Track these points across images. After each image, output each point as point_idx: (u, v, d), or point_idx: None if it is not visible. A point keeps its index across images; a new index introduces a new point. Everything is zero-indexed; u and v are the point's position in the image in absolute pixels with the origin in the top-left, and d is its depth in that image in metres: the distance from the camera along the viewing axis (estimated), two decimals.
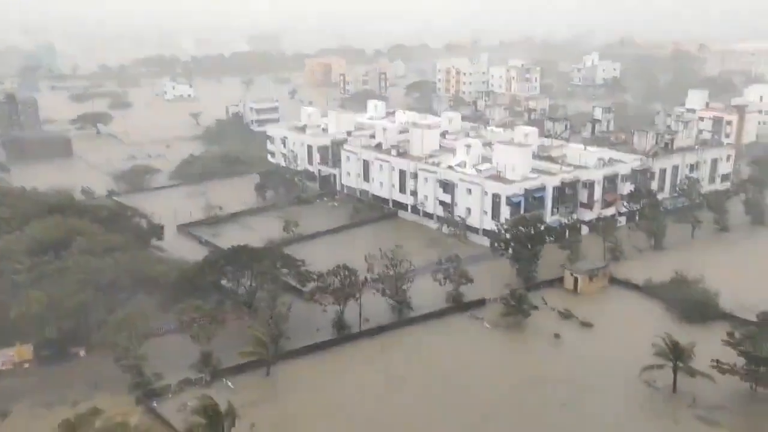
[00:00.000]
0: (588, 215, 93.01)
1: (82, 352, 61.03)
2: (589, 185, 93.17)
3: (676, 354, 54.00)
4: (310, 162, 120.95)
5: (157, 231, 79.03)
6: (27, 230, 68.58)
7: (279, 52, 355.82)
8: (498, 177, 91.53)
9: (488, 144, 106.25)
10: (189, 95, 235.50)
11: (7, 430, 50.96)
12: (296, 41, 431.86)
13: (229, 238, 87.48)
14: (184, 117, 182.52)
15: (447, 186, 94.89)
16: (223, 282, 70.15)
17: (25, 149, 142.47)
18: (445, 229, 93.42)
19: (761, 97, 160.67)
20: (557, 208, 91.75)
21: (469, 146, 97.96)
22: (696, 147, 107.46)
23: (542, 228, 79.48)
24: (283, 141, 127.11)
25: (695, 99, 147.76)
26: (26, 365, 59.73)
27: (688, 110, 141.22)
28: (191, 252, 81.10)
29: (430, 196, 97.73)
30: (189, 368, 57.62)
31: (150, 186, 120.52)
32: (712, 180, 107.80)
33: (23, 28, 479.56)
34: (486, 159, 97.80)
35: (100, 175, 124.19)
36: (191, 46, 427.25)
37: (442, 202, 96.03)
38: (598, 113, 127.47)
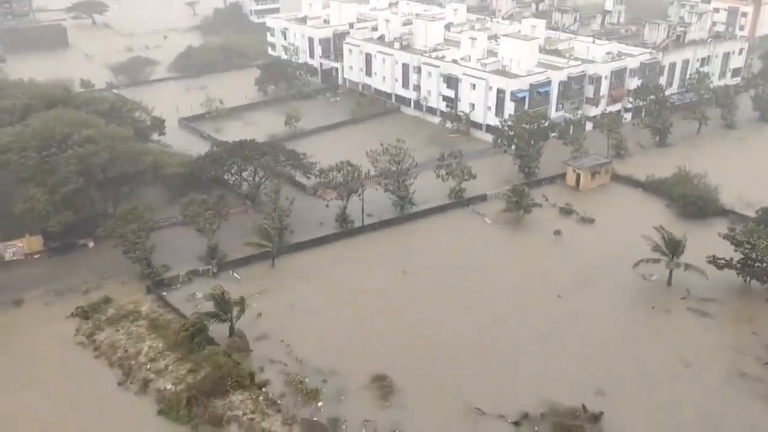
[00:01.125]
0: (593, 111, 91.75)
1: (91, 244, 62.37)
2: (596, 80, 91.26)
3: (672, 248, 55.05)
4: (312, 55, 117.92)
5: (159, 125, 78.39)
6: (30, 122, 67.94)
7: None
8: (503, 71, 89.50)
9: (494, 37, 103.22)
10: None
11: (22, 317, 53.01)
12: None
13: (231, 132, 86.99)
14: (180, 6, 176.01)
15: (450, 81, 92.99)
16: (226, 177, 70.61)
17: (21, 39, 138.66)
18: (448, 124, 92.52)
19: None
20: (562, 104, 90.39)
21: (474, 39, 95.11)
22: (708, 40, 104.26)
23: (546, 124, 78.68)
24: (284, 33, 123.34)
25: None
26: (36, 256, 61.27)
27: (703, 0, 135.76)
28: (193, 146, 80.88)
29: (433, 91, 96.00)
30: (196, 260, 59.08)
31: (149, 78, 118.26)
32: (722, 75, 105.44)
33: None
34: (492, 53, 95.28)
35: (97, 67, 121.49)
36: None
37: (445, 98, 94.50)
38: (608, 4, 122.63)
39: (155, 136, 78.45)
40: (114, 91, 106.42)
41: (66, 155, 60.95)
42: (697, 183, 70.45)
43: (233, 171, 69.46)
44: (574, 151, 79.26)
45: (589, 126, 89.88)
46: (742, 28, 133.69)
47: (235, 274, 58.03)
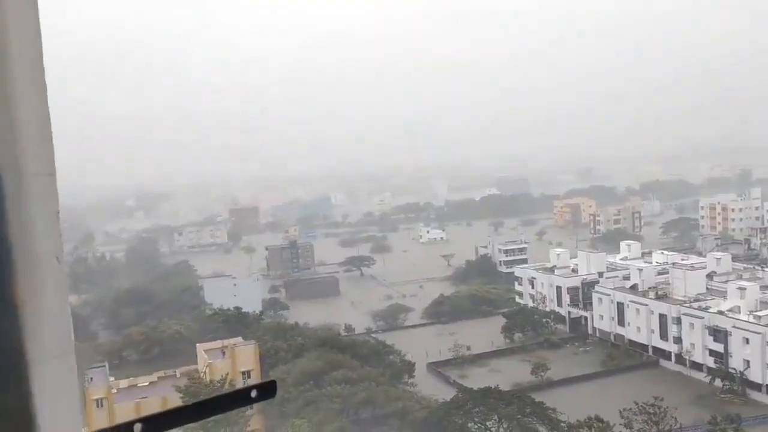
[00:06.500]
0: None
1: None
2: None
3: None
4: (559, 304, 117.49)
5: (410, 369, 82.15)
6: (297, 362, 76.09)
7: (526, 195, 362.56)
8: None
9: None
10: (441, 238, 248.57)
11: None
12: (544, 183, 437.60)
13: (476, 379, 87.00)
14: (437, 259, 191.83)
15: (718, 333, 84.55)
16: (470, 425, 69.24)
17: (302, 289, 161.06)
18: (717, 383, 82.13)
19: None
20: None
21: (743, 289, 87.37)
22: None
23: None
24: (531, 282, 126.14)
25: None
26: None
27: None
28: (439, 391, 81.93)
29: (697, 344, 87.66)
30: None
31: (403, 324, 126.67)
32: None
33: (303, 182, 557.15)
34: (766, 304, 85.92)
35: (360, 314, 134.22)
36: (444, 191, 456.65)
37: (712, 352, 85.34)
38: None
39: (405, 379, 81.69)
40: (372, 335, 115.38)
41: (326, 391, 65.92)
42: None
43: (476, 420, 68.09)
44: None
45: None
46: None
47: None
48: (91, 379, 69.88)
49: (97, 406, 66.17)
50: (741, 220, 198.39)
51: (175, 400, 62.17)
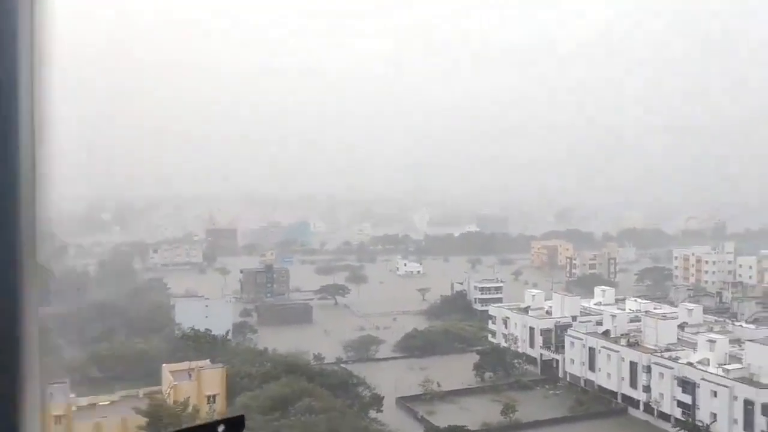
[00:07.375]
0: None
1: None
2: None
3: None
4: (532, 345, 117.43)
5: (378, 402, 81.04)
6: (264, 388, 74.71)
7: (505, 234, 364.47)
8: (751, 380, 79.91)
9: (737, 341, 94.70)
10: (418, 272, 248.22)
11: None
12: (523, 222, 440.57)
13: (445, 416, 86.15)
14: (412, 292, 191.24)
15: (686, 385, 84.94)
16: None
17: (274, 314, 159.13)
18: None
19: None
20: None
21: (713, 342, 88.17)
22: None
23: None
24: (505, 321, 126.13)
25: None
26: None
27: None
28: (407, 427, 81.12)
29: (666, 394, 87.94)
30: None
31: (374, 356, 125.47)
32: None
33: (284, 205, 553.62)
34: (735, 358, 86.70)
35: (331, 343, 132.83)
36: (424, 225, 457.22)
37: (680, 403, 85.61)
38: None
39: (372, 414, 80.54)
40: (342, 365, 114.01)
41: (289, 421, 64.68)
42: None
43: None
44: None
45: None
46: None
47: None
48: (51, 394, 67.88)
49: (55, 423, 64.16)
50: (714, 273, 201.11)
51: (136, 421, 60.61)
